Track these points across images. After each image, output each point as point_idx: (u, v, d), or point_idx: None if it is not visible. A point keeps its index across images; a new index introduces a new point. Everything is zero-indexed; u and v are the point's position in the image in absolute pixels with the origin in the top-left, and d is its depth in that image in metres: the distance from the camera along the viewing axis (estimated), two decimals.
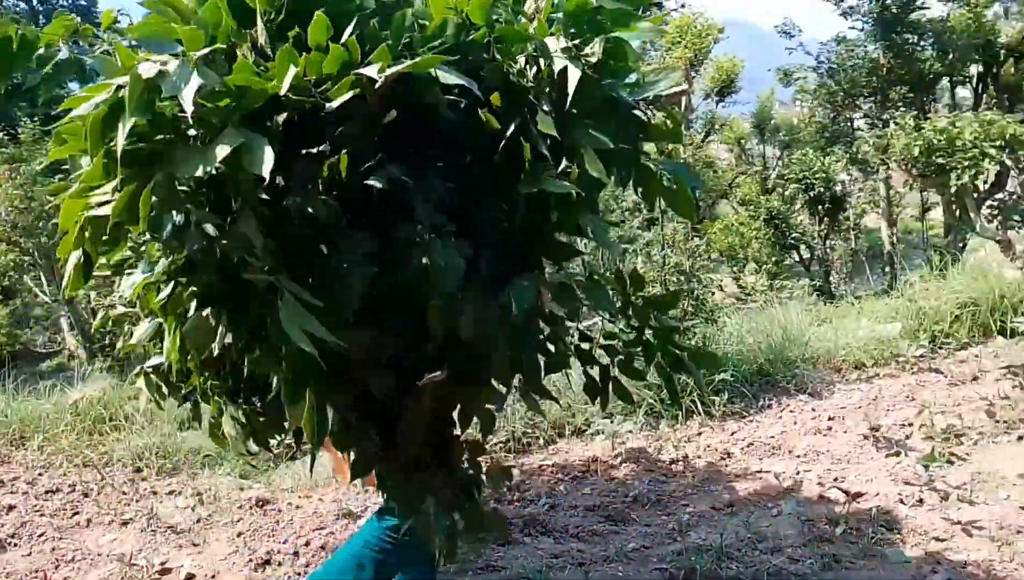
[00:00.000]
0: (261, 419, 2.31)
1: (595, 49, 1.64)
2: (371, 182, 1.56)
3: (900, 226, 24.77)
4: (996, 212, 13.14)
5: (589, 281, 2.01)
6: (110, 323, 2.63)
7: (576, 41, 1.63)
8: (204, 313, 1.76)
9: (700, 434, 4.59)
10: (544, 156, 1.63)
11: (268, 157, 1.39)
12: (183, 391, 2.44)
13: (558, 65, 1.58)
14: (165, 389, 2.54)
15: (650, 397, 4.72)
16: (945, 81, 21.93)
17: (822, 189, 16.93)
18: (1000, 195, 13.19)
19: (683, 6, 22.13)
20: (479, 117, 1.61)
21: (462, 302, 1.68)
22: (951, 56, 19.57)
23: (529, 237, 1.85)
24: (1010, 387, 4.65)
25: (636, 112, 1.77)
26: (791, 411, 4.78)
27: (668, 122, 1.84)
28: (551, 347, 2.14)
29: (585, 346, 2.30)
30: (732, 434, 4.58)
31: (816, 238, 18.30)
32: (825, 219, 17.84)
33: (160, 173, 1.44)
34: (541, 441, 4.60)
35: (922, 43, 20.33)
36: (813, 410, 4.75)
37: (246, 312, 1.73)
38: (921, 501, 3.54)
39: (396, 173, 1.57)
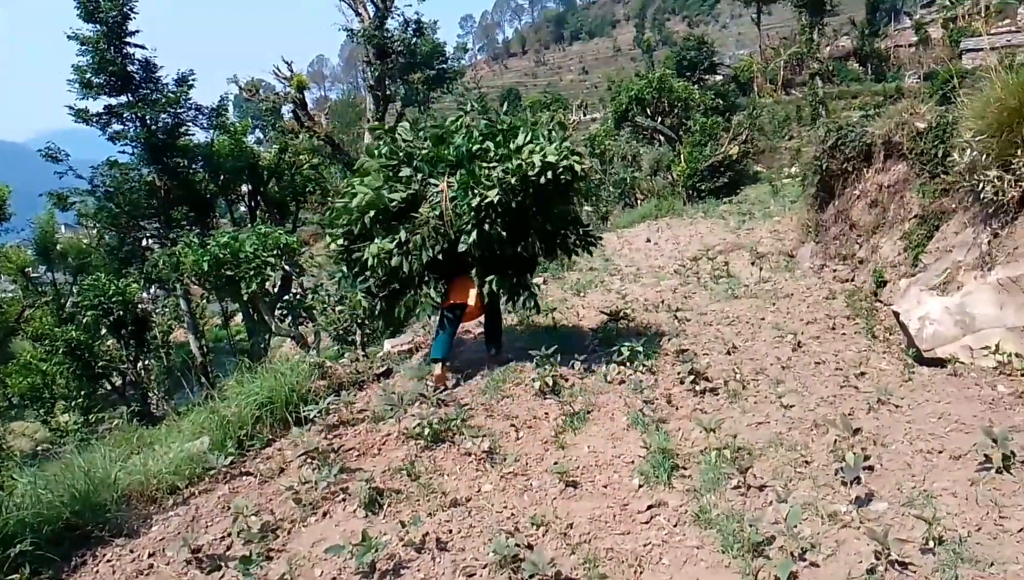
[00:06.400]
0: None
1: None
2: None
3: (209, 336, 25.79)
4: (286, 312, 14.75)
5: None
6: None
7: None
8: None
9: None
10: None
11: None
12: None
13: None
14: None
15: None
16: (222, 200, 24.05)
17: (122, 312, 16.40)
18: (287, 297, 14.89)
19: None
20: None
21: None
22: (223, 177, 21.53)
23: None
24: (310, 471, 5.19)
25: None
26: (108, 561, 4.40)
27: None
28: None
29: None
30: None
31: (126, 362, 17.59)
32: (132, 342, 17.32)
33: None
34: None
35: (194, 166, 21.80)
36: (132, 551, 4.47)
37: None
38: None
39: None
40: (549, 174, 6.39)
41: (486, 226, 6.45)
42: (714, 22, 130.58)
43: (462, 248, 6.57)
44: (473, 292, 6.92)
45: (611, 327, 8.13)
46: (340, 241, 7.10)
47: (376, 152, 7.12)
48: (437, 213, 6.61)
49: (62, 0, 19.72)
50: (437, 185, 6.69)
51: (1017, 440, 4.70)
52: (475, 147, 6.79)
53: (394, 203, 6.66)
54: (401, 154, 6.98)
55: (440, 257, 6.66)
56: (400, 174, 6.82)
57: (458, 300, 7.02)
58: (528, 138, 6.72)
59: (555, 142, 6.68)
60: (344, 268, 7.37)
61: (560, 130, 7.15)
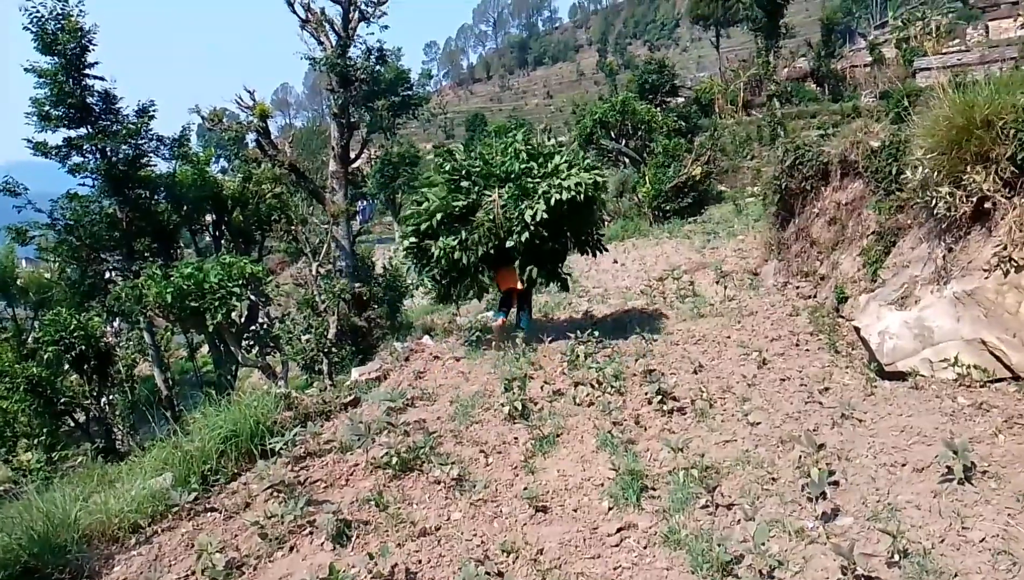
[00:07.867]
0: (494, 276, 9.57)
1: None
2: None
3: (175, 368, 25.35)
4: (253, 342, 14.54)
5: None
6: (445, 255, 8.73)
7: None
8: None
9: None
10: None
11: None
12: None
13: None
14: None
15: None
16: (186, 230, 23.77)
17: (84, 347, 16.05)
18: (254, 327, 14.70)
19: None
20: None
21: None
22: (186, 207, 21.27)
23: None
24: (276, 505, 5.10)
25: None
26: None
27: None
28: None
29: None
30: None
31: (90, 398, 17.19)
32: (95, 377, 16.95)
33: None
34: None
35: (157, 197, 21.50)
36: None
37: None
38: None
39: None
40: (582, 192, 8.41)
41: (532, 228, 8.35)
42: (674, 46, 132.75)
43: (510, 244, 8.54)
44: (516, 275, 9.07)
45: (579, 349, 8.14)
46: (411, 238, 9.10)
47: (441, 168, 9.17)
48: (491, 218, 8.52)
49: (18, 32, 19.42)
50: (490, 196, 8.62)
51: (978, 451, 4.79)
52: (521, 166, 8.73)
53: (457, 208, 8.63)
54: (462, 170, 8.92)
55: (491, 252, 8.69)
56: (461, 185, 8.78)
57: (510, 285, 9.29)
58: (564, 159, 8.74)
59: (581, 165, 8.77)
60: (413, 260, 9.46)
61: (583, 153, 9.49)
